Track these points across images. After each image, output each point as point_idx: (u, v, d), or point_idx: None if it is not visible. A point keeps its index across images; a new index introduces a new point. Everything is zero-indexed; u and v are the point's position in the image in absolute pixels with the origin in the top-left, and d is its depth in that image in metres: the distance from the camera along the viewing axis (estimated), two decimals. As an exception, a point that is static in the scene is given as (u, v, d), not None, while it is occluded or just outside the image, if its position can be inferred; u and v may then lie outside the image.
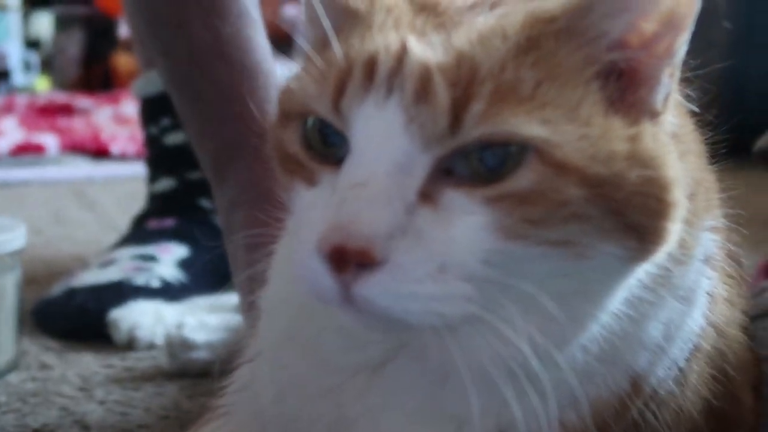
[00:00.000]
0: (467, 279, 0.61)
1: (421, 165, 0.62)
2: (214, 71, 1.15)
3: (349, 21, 0.70)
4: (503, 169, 0.61)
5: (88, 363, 1.28)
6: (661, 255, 0.66)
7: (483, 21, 0.66)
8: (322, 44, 0.70)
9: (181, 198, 1.64)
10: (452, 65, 0.62)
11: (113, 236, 1.73)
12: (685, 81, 0.70)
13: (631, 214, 0.62)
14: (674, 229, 0.64)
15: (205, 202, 1.62)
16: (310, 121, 0.67)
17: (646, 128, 0.64)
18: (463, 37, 0.64)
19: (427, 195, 0.62)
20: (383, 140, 0.62)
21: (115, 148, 2.79)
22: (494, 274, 0.61)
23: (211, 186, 1.19)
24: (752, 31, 2.64)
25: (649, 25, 0.63)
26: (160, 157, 1.67)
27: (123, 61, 3.52)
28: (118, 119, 3.06)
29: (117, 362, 1.28)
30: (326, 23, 0.67)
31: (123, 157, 2.78)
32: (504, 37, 0.63)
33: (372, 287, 0.60)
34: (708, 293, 0.75)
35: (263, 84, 1.14)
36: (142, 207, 1.69)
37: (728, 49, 2.46)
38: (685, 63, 0.69)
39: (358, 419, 0.73)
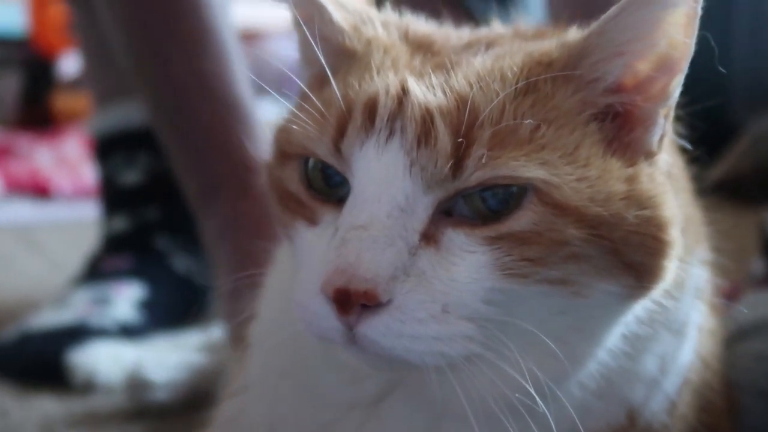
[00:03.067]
0: (469, 319, 0.61)
1: (423, 207, 0.62)
2: (196, 108, 1.17)
3: (346, 61, 0.70)
4: (504, 209, 0.61)
5: (48, 407, 1.24)
6: (657, 292, 0.66)
7: (481, 62, 0.66)
8: (318, 83, 0.70)
9: (137, 238, 1.61)
10: (452, 108, 0.62)
11: (61, 279, 1.70)
12: (674, 118, 0.71)
13: (629, 253, 0.63)
14: (670, 267, 0.65)
15: (160, 243, 1.60)
16: (311, 162, 0.67)
17: (643, 168, 0.65)
18: (462, 80, 0.64)
19: (429, 236, 0.62)
20: (385, 183, 0.62)
21: (57, 188, 2.74)
22: (495, 312, 0.62)
23: (197, 218, 1.18)
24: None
25: (643, 68, 0.64)
26: (114, 196, 1.65)
27: (62, 101, 3.47)
28: (59, 160, 3.01)
29: (77, 405, 1.25)
30: (324, 63, 0.67)
31: (66, 198, 2.74)
32: (503, 80, 0.64)
33: (376, 328, 0.61)
34: (697, 326, 0.76)
35: (244, 119, 1.16)
36: (95, 247, 1.65)
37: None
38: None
39: None
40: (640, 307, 0.68)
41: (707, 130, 0.74)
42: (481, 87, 0.63)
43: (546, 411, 0.64)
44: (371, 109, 0.64)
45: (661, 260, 0.64)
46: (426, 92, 0.63)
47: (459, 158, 0.61)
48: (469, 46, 0.71)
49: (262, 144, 1.19)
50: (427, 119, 0.62)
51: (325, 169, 0.67)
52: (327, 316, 0.62)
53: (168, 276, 1.57)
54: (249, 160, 1.17)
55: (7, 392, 1.30)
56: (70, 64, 3.48)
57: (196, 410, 1.20)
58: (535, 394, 0.63)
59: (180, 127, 1.21)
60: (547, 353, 0.64)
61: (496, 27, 0.79)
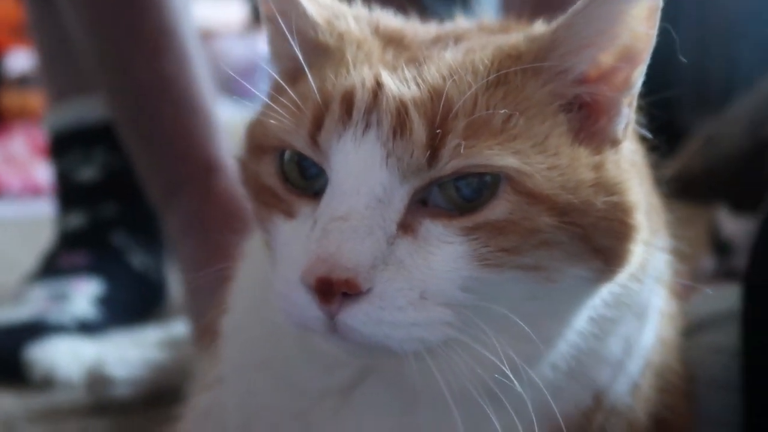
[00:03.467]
0: (446, 305, 0.63)
1: (400, 197, 0.64)
2: (157, 110, 1.18)
3: (320, 55, 0.71)
4: (479, 199, 0.63)
5: (7, 403, 1.24)
6: (623, 275, 0.68)
7: (452, 56, 0.68)
8: (291, 78, 0.71)
9: (93, 234, 1.60)
10: (426, 100, 0.64)
11: (12, 277, 1.68)
12: (636, 108, 0.73)
13: (598, 238, 0.65)
14: (636, 250, 0.67)
15: (117, 240, 1.59)
16: (287, 154, 0.68)
17: (609, 156, 0.67)
18: (434, 72, 0.66)
19: (406, 226, 0.63)
20: (362, 174, 0.63)
21: (6, 186, 2.71)
22: (471, 299, 0.63)
23: (160, 217, 1.20)
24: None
25: (607, 59, 0.66)
26: (70, 193, 1.63)
27: (9, 99, 3.43)
28: (7, 158, 2.97)
29: (37, 401, 1.24)
30: (300, 57, 0.68)
31: (15, 196, 2.71)
32: (474, 73, 0.65)
33: (356, 316, 0.62)
34: (658, 310, 0.78)
35: (205, 120, 1.16)
36: (51, 243, 1.64)
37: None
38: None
39: None
40: (607, 290, 0.70)
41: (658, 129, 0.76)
42: (454, 79, 0.65)
43: (522, 392, 0.66)
44: (348, 102, 0.65)
45: (627, 244, 0.66)
46: (400, 85, 0.65)
47: (434, 148, 0.63)
48: (438, 40, 0.72)
49: (223, 145, 1.20)
50: (402, 111, 0.64)
51: (301, 161, 0.68)
52: (308, 306, 0.63)
53: (125, 272, 1.56)
54: (210, 161, 1.18)
55: (-35, 389, 1.29)
56: (17, 61, 3.44)
57: (156, 406, 1.21)
58: (512, 376, 0.65)
59: (141, 128, 1.22)
60: (522, 336, 0.65)
61: (461, 22, 0.81)
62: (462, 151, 0.62)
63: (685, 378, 0.89)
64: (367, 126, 0.64)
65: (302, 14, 0.71)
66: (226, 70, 4.01)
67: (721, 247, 1.43)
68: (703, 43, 1.93)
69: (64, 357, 1.32)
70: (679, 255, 0.81)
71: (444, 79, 0.65)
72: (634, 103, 0.69)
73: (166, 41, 1.19)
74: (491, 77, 0.65)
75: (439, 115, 0.63)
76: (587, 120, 0.68)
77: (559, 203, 0.63)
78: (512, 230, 0.63)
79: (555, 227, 0.63)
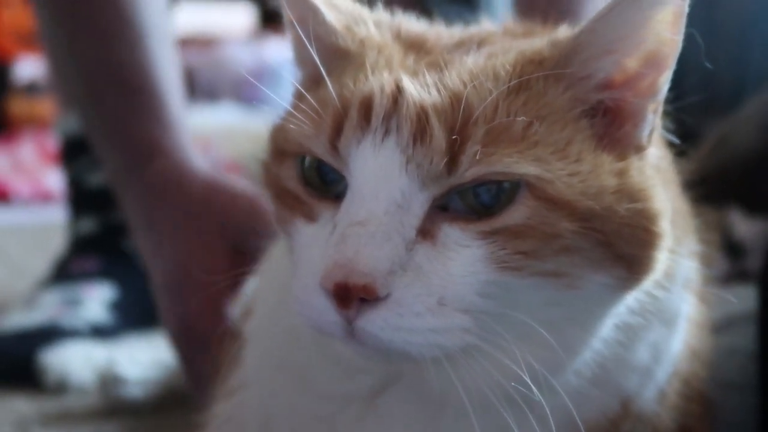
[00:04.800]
0: (465, 311, 0.63)
1: (419, 203, 0.63)
2: (105, 96, 1.16)
3: (340, 61, 0.71)
4: (497, 204, 0.63)
5: (22, 407, 1.24)
6: (648, 282, 0.68)
7: (474, 61, 0.68)
8: (313, 83, 0.71)
9: (105, 239, 1.60)
10: (447, 106, 0.63)
11: (23, 283, 1.68)
12: (663, 113, 0.73)
13: (621, 245, 0.64)
14: (661, 258, 0.67)
15: (128, 244, 1.59)
16: (308, 160, 0.68)
17: (633, 162, 0.66)
18: (455, 78, 0.65)
19: (425, 231, 0.63)
20: (382, 180, 0.63)
21: (15, 193, 2.72)
22: (490, 305, 0.63)
23: (118, 201, 1.19)
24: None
25: (632, 65, 0.66)
26: (81, 198, 1.64)
27: (18, 106, 3.44)
28: (16, 165, 2.98)
29: (50, 405, 1.25)
30: (318, 63, 0.68)
31: (24, 203, 2.71)
32: (496, 79, 0.65)
33: (374, 321, 0.62)
34: (687, 317, 0.77)
35: (151, 105, 1.13)
36: (62, 249, 1.64)
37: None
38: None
39: None
40: (632, 298, 0.69)
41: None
42: (474, 85, 0.64)
43: (542, 400, 0.65)
44: (367, 107, 0.65)
45: (651, 251, 0.66)
46: (420, 90, 0.65)
47: (454, 155, 0.62)
48: (461, 45, 0.72)
49: (176, 131, 1.15)
50: (422, 117, 0.63)
51: (320, 166, 0.68)
52: (327, 311, 0.63)
53: (137, 277, 1.55)
54: (154, 145, 1.13)
55: (-21, 393, 1.29)
56: (26, 68, 3.45)
57: (168, 409, 1.21)
58: (531, 384, 0.64)
59: (91, 113, 1.20)
60: (542, 344, 0.65)
61: (486, 25, 0.81)
62: (481, 158, 0.62)
63: (707, 383, 0.88)
64: (387, 132, 0.64)
65: (321, 21, 0.71)
66: (233, 76, 4.03)
67: (733, 248, 1.42)
68: (713, 45, 1.92)
69: (78, 361, 1.32)
70: (707, 260, 0.80)
71: (465, 84, 0.64)
72: (660, 110, 0.69)
73: (119, 27, 1.17)
74: (512, 83, 0.65)
75: (459, 121, 0.63)
76: (611, 126, 0.67)
77: (580, 209, 0.63)
78: (531, 235, 0.63)
79: (576, 233, 0.63)
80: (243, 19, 4.13)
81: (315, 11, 0.71)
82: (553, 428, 0.68)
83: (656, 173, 0.69)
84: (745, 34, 2.02)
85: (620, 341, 0.70)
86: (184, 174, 1.10)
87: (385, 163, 0.63)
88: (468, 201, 0.63)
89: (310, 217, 0.68)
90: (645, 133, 0.68)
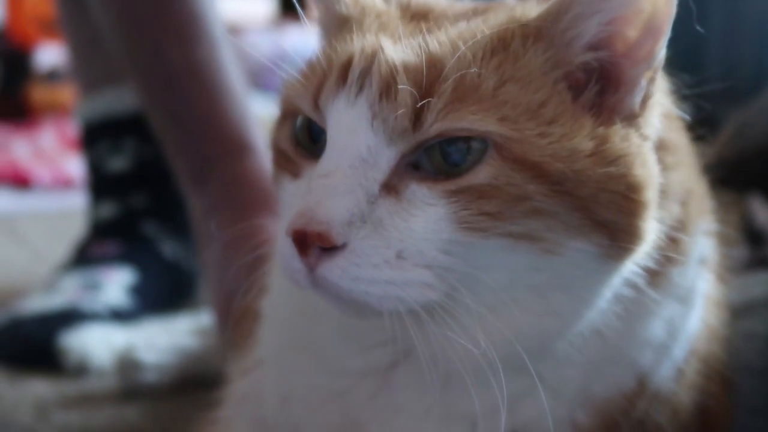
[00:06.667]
0: (426, 267, 0.64)
1: (386, 158, 0.65)
2: (189, 93, 1.20)
3: (341, 27, 0.73)
4: (465, 164, 0.64)
5: (41, 390, 1.25)
6: (641, 254, 0.68)
7: (462, 26, 0.69)
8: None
9: (124, 224, 1.61)
10: (419, 65, 0.65)
11: (44, 268, 1.69)
12: (682, 98, 0.72)
13: (599, 211, 0.64)
14: (648, 228, 0.66)
15: (148, 229, 1.60)
16: (299, 119, 0.71)
17: (618, 129, 0.66)
18: (437, 41, 0.67)
19: (391, 187, 0.65)
20: (350, 134, 0.65)
21: (37, 179, 2.73)
22: (455, 262, 0.64)
23: (186, 200, 1.20)
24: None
25: (633, 32, 0.66)
26: (101, 183, 1.65)
27: (38, 93, 3.45)
28: (36, 151, 2.99)
29: (70, 387, 1.26)
30: (321, 26, 0.73)
31: (45, 189, 2.73)
32: (473, 40, 0.66)
33: (332, 270, 0.64)
34: (704, 295, 0.77)
35: (235, 102, 1.18)
36: (82, 233, 1.65)
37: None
38: (681, 80, 0.72)
39: (369, 423, 0.73)
40: (632, 271, 0.69)
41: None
42: (450, 46, 0.66)
43: (540, 368, 0.67)
44: (346, 66, 0.67)
45: (634, 220, 0.65)
46: (397, 51, 0.66)
47: (418, 111, 0.64)
48: (465, 16, 0.73)
49: (255, 128, 1.20)
50: (391, 75, 0.65)
51: (311, 126, 0.70)
52: (292, 258, 0.65)
53: (157, 262, 1.57)
54: (242, 141, 1.18)
55: (0, 376, 1.30)
56: (46, 55, 3.46)
57: (187, 393, 1.22)
58: (521, 351, 0.65)
59: (173, 111, 1.24)
60: (529, 309, 0.66)
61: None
62: (446, 114, 0.63)
63: (725, 364, 0.88)
64: (361, 89, 0.66)
65: None
66: (253, 64, 4.03)
67: (754, 236, 1.41)
68: (734, 33, 1.91)
69: (98, 344, 1.33)
70: (727, 240, 0.80)
71: (441, 46, 0.66)
72: (656, 78, 0.68)
73: (195, 27, 1.21)
74: (491, 44, 0.66)
75: (425, 78, 0.64)
76: (603, 91, 0.67)
77: (549, 171, 0.63)
78: (495, 195, 0.63)
79: (545, 195, 0.63)
80: (263, 7, 4.13)
81: None
82: (566, 403, 0.68)
83: (664, 151, 0.69)
84: (766, 22, 2.00)
85: (628, 315, 0.70)
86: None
87: (355, 118, 0.65)
88: (436, 160, 0.65)
89: (296, 174, 0.71)
90: (637, 100, 0.67)
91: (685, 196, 0.73)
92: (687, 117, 0.74)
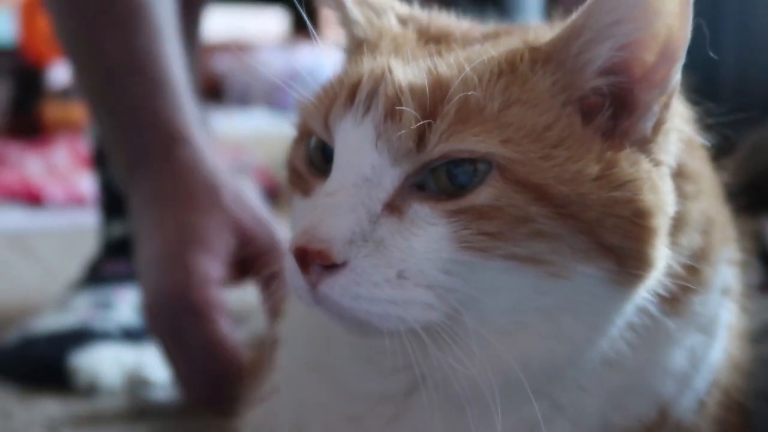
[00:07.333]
0: (427, 287, 0.64)
1: (390, 178, 0.65)
2: (126, 84, 1.17)
3: (359, 50, 0.74)
4: (469, 185, 0.64)
5: (52, 409, 1.25)
6: (652, 281, 0.67)
7: (474, 49, 0.69)
8: None
9: (136, 242, 1.60)
10: (424, 87, 0.65)
11: (55, 285, 1.69)
12: (705, 127, 0.72)
13: (605, 236, 0.64)
14: (658, 256, 0.66)
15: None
16: (313, 139, 0.71)
17: (626, 153, 0.66)
18: (445, 63, 0.67)
19: (394, 207, 0.65)
20: (356, 154, 0.66)
21: (49, 197, 2.74)
22: (457, 283, 0.64)
23: (125, 196, 1.18)
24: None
25: (648, 57, 0.66)
26: (113, 202, 1.64)
27: (51, 110, 3.47)
28: (49, 168, 3.00)
29: (81, 407, 1.26)
30: (346, 53, 0.73)
31: (58, 206, 2.73)
32: (481, 62, 0.66)
33: (333, 288, 0.64)
34: (727, 325, 0.76)
35: (172, 95, 1.15)
36: (94, 252, 1.65)
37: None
38: (704, 109, 0.72)
39: None
40: (648, 300, 0.68)
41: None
42: (457, 69, 0.66)
43: (558, 396, 0.68)
44: (355, 87, 0.68)
45: (642, 246, 0.65)
46: (405, 72, 0.67)
47: (422, 132, 0.64)
48: (481, 39, 0.73)
49: (193, 119, 1.17)
50: (396, 96, 0.66)
51: (324, 146, 0.71)
52: (296, 275, 0.65)
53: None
54: (175, 132, 1.15)
55: (11, 394, 1.30)
56: (59, 73, 3.48)
57: (195, 413, 1.22)
58: (523, 377, 0.65)
59: (110, 103, 1.21)
60: (537, 332, 0.66)
61: (530, 23, 0.81)
62: (449, 136, 0.64)
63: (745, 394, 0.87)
64: (368, 110, 0.67)
65: (346, 13, 0.76)
66: (265, 82, 4.05)
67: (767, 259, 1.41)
68: (747, 53, 1.91)
69: (108, 363, 1.33)
70: (746, 268, 0.79)
71: (449, 68, 0.67)
72: (671, 103, 0.68)
73: (137, 17, 1.18)
74: (498, 66, 0.66)
75: (430, 100, 0.65)
76: (617, 117, 0.67)
77: (552, 193, 0.63)
78: (496, 216, 0.63)
79: (548, 218, 0.63)
80: (275, 25, 4.15)
81: (341, 5, 0.76)
82: (586, 431, 0.67)
83: (684, 180, 0.69)
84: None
85: (644, 343, 0.69)
86: (205, 162, 1.11)
87: (361, 138, 0.66)
88: (441, 181, 0.65)
89: (307, 192, 0.72)
90: (649, 125, 0.67)
91: (707, 225, 0.72)
92: (710, 145, 0.74)
